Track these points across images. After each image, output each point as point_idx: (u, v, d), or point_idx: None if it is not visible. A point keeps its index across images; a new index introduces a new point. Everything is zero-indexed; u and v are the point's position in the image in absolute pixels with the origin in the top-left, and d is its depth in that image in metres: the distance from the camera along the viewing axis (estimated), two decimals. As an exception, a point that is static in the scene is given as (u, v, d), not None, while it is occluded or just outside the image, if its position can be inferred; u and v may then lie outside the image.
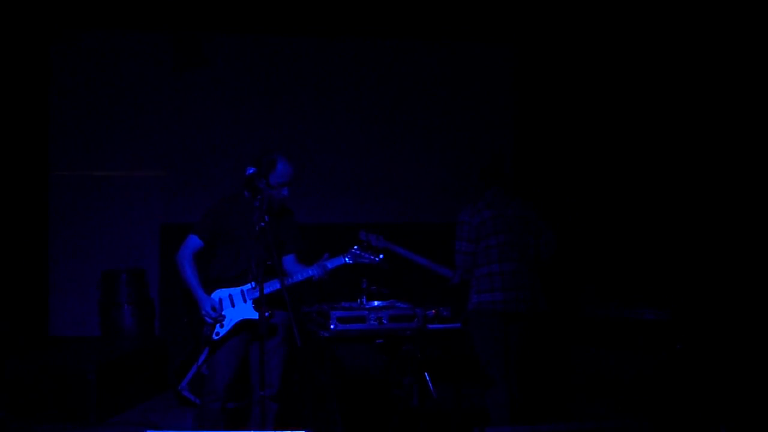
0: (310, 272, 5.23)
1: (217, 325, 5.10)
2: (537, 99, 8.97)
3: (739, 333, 6.78)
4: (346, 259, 5.35)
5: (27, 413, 6.67)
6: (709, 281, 7.30)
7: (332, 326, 5.31)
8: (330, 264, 5.30)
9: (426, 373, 5.56)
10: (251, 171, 5.21)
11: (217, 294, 5.15)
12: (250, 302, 5.16)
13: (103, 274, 8.15)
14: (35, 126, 8.37)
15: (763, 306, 6.85)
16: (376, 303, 5.74)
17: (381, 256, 5.44)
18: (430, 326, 5.48)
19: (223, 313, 5.11)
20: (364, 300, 5.75)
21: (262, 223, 4.83)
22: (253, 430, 5.11)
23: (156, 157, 8.68)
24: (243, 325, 5.14)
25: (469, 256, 5.62)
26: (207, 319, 5.08)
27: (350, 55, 8.93)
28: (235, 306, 5.15)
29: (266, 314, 4.87)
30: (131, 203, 8.65)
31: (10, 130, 8.01)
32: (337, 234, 6.07)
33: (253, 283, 5.14)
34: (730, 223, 7.38)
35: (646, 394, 6.61)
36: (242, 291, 5.17)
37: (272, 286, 5.07)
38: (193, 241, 5.22)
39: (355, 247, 5.42)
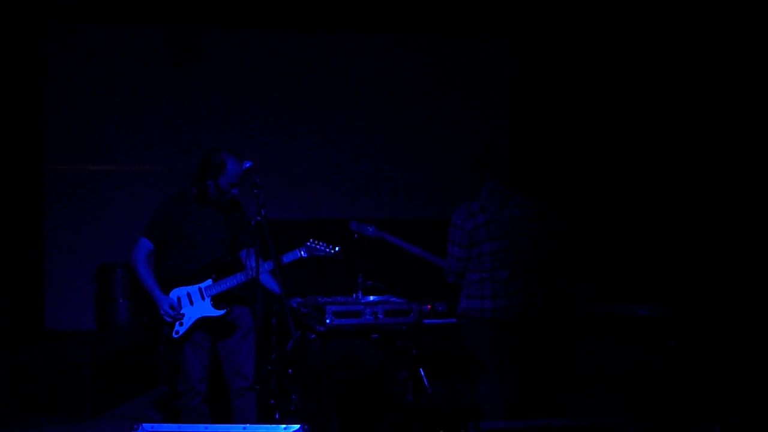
0: (266, 267, 5.24)
1: (177, 323, 5.14)
2: (531, 93, 8.97)
3: (732, 330, 6.80)
4: (301, 252, 5.42)
5: (22, 407, 6.67)
6: (703, 278, 7.31)
7: (328, 320, 5.30)
8: (285, 258, 5.37)
9: (421, 369, 5.56)
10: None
11: (174, 293, 5.19)
12: (208, 299, 5.20)
13: (99, 268, 8.15)
14: (31, 120, 8.36)
15: (756, 303, 6.87)
16: (371, 298, 5.73)
17: (337, 248, 5.44)
18: (425, 321, 5.47)
19: (182, 311, 5.15)
20: (359, 295, 5.75)
21: (258, 218, 4.85)
22: (240, 422, 5.17)
23: (152, 151, 8.68)
24: (202, 322, 5.19)
25: (461, 261, 5.48)
26: (166, 318, 5.12)
27: (345, 50, 8.93)
28: (194, 304, 5.19)
29: (224, 311, 5.10)
30: (127, 197, 8.64)
31: (6, 125, 8.00)
32: (330, 229, 6.07)
33: (210, 280, 5.20)
34: (724, 221, 7.39)
35: (641, 390, 6.62)
36: (200, 288, 5.21)
37: (231, 281, 5.18)
38: (144, 244, 5.25)
39: (310, 240, 5.45)
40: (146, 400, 7.30)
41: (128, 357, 7.42)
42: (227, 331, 5.31)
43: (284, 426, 3.80)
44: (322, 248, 5.45)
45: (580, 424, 4.20)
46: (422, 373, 5.51)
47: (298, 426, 3.80)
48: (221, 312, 5.21)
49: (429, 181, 9.00)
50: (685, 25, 7.57)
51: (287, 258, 5.38)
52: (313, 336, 5.56)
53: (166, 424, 3.89)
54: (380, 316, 5.42)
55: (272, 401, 5.44)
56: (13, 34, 8.05)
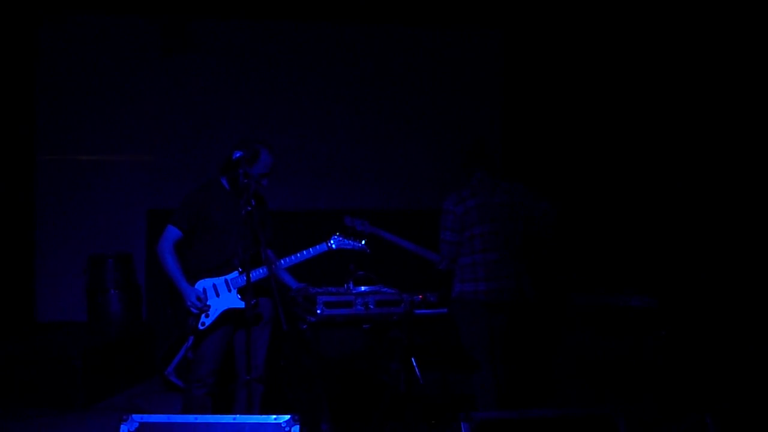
0: (283, 264, 5.29)
1: (203, 315, 5.10)
2: (525, 85, 8.96)
3: (724, 320, 6.81)
4: (330, 245, 5.41)
5: (13, 398, 6.66)
6: (695, 269, 7.32)
7: (319, 311, 5.29)
8: (313, 251, 5.36)
9: (413, 359, 5.56)
10: (238, 155, 5.17)
11: (200, 284, 5.14)
12: (234, 291, 5.17)
13: (90, 258, 8.12)
14: (22, 110, 8.33)
15: (747, 293, 6.88)
16: (363, 288, 5.72)
17: (363, 241, 5.45)
18: (417, 311, 5.46)
19: (208, 303, 5.11)
20: (351, 285, 5.74)
21: (249, 208, 4.83)
22: (240, 412, 5.14)
23: (143, 141, 8.65)
24: (228, 314, 5.15)
25: (453, 245, 5.62)
26: (193, 309, 5.07)
27: (337, 40, 8.90)
28: (220, 296, 5.15)
29: (252, 302, 4.92)
30: (118, 188, 8.62)
31: (-4, 114, 7.98)
32: (323, 220, 6.07)
33: (236, 272, 5.17)
34: (715, 212, 7.40)
35: (632, 380, 6.63)
36: (226, 280, 5.18)
37: (257, 274, 5.13)
38: (173, 232, 5.19)
39: (337, 233, 5.44)
40: (138, 391, 7.30)
41: (120, 348, 7.41)
42: (247, 323, 5.24)
43: (275, 416, 3.79)
44: (351, 243, 5.45)
45: (572, 415, 4.20)
46: (414, 363, 5.51)
47: (289, 416, 3.79)
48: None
49: (422, 171, 8.99)
50: (679, 22, 7.57)
51: (314, 252, 5.36)
52: (305, 326, 5.55)
53: (156, 415, 3.87)
54: (371, 306, 5.42)
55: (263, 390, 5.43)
56: (3, 24, 8.01)
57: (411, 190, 8.98)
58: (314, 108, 8.85)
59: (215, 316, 5.12)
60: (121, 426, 3.78)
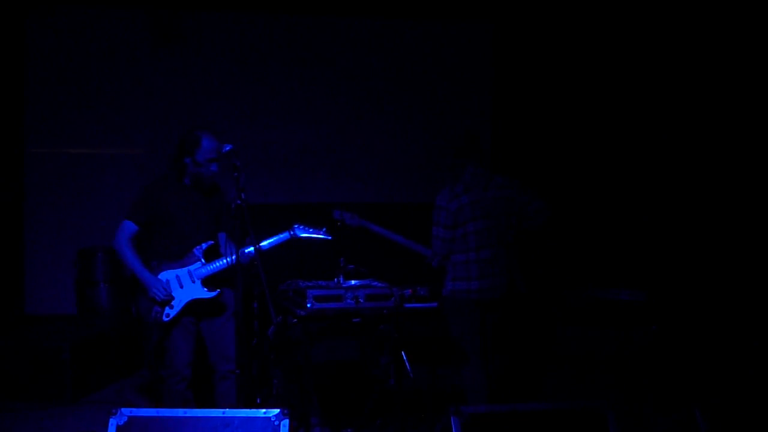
0: (246, 252, 5.25)
1: (167, 306, 5.12)
2: (515, 78, 8.96)
3: (713, 315, 6.83)
4: (289, 233, 5.44)
5: (1, 391, 6.63)
6: (685, 264, 7.34)
7: (309, 305, 5.28)
8: (274, 241, 5.39)
9: (403, 353, 5.56)
10: (180, 145, 5.22)
11: (163, 275, 5.17)
12: (198, 281, 5.20)
13: (79, 252, 8.09)
14: (10, 102, 8.28)
15: (737, 288, 6.90)
16: (353, 282, 5.71)
17: (323, 229, 5.43)
18: (407, 305, 5.46)
19: (172, 294, 5.13)
20: (341, 279, 5.73)
21: (238, 201, 4.82)
22: (222, 404, 5.23)
23: (133, 134, 8.62)
24: (192, 304, 5.18)
25: (446, 242, 5.55)
26: (157, 297, 5.09)
27: (327, 33, 8.88)
28: (183, 287, 5.18)
29: (216, 292, 5.11)
30: (108, 181, 8.58)
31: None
32: (312, 214, 6.05)
33: (199, 263, 5.20)
34: (705, 207, 7.41)
35: (623, 374, 6.65)
36: (189, 271, 5.20)
37: (221, 264, 5.20)
38: (129, 226, 5.21)
39: (296, 223, 5.46)
40: (127, 384, 7.28)
41: (109, 341, 7.39)
42: (214, 314, 5.30)
43: (264, 410, 3.78)
44: (310, 231, 5.45)
45: (561, 408, 4.20)
46: (404, 357, 5.52)
47: (278, 410, 3.78)
48: (213, 293, 5.22)
49: (412, 165, 8.98)
50: (671, 16, 7.58)
51: (276, 241, 5.37)
52: (294, 320, 5.54)
53: (145, 409, 3.86)
54: (361, 300, 5.41)
55: (253, 385, 5.44)
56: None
57: (401, 183, 8.97)
58: (304, 101, 8.83)
59: (180, 307, 5.15)
60: (110, 420, 3.76)
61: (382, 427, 5.74)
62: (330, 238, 5.50)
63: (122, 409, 3.79)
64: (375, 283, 5.69)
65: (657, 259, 7.53)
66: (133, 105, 8.57)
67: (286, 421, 3.76)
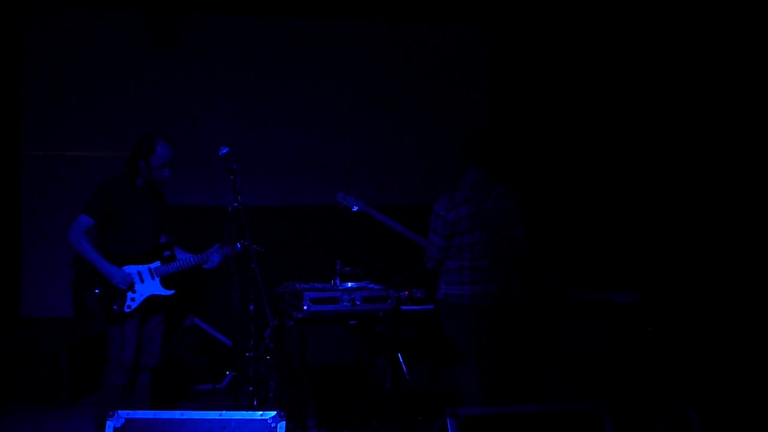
0: (203, 258, 5.54)
1: (128, 299, 5.24)
2: (511, 80, 8.96)
3: (709, 317, 6.84)
4: (238, 246, 5.48)
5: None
6: (681, 265, 7.35)
7: (305, 307, 5.30)
8: (224, 252, 5.52)
9: (399, 355, 5.57)
10: (135, 148, 5.40)
11: (127, 269, 5.29)
12: (157, 279, 5.37)
13: (77, 254, 8.07)
14: (7, 105, 8.28)
15: (732, 289, 6.92)
16: (349, 284, 5.73)
17: (239, 245, 5.44)
18: (403, 308, 5.46)
19: (134, 287, 5.28)
20: (338, 281, 5.75)
21: (235, 204, 4.84)
22: (140, 399, 5.43)
23: (130, 136, 8.50)
24: (150, 300, 5.32)
25: (441, 250, 5.49)
26: (122, 286, 5.22)
27: (325, 36, 8.88)
28: (144, 282, 5.32)
29: (173, 291, 5.34)
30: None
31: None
32: (311, 216, 6.08)
33: (159, 261, 5.38)
34: (701, 209, 7.43)
35: (618, 376, 6.66)
36: (150, 268, 5.37)
37: (181, 263, 5.42)
38: (85, 220, 5.32)
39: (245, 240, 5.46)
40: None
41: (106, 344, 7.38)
42: (157, 311, 5.46)
43: (260, 412, 3.80)
44: (228, 250, 5.54)
45: (557, 410, 4.22)
46: (400, 359, 5.52)
47: (275, 412, 3.79)
48: (170, 292, 5.42)
49: (409, 167, 8.97)
50: (665, 17, 7.59)
51: (227, 251, 5.50)
52: (291, 323, 5.56)
53: (142, 411, 3.88)
54: (358, 302, 5.43)
55: (251, 388, 5.44)
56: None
57: (399, 185, 8.96)
58: (301, 103, 8.82)
59: (140, 300, 5.29)
60: (107, 422, 3.78)
61: (378, 429, 5.75)
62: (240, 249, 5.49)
63: (119, 411, 3.80)
64: (371, 285, 5.70)
65: (653, 261, 7.54)
66: (130, 107, 8.56)
67: (283, 424, 3.77)
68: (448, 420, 3.96)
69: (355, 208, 5.84)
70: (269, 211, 8.33)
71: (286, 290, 5.71)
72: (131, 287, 5.26)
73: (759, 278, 6.91)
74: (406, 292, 5.50)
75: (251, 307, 6.07)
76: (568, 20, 8.38)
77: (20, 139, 8.42)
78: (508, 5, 8.71)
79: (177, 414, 3.84)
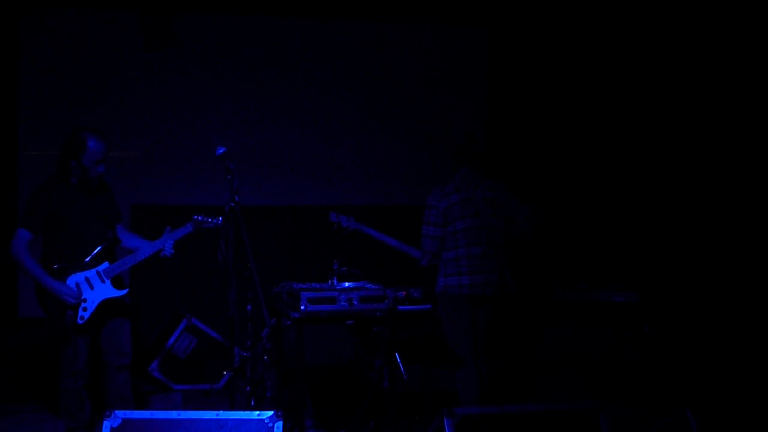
0: (130, 243, 5.41)
1: (80, 309, 5.13)
2: (509, 82, 8.98)
3: (706, 317, 6.85)
4: (189, 227, 5.44)
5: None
6: (678, 265, 7.36)
7: (302, 307, 5.29)
8: (176, 234, 5.41)
9: (396, 354, 5.57)
10: (65, 147, 5.21)
11: (72, 279, 5.16)
12: (108, 281, 5.23)
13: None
14: (4, 105, 8.27)
15: (730, 290, 6.92)
16: (347, 284, 5.73)
17: (220, 218, 5.34)
18: (400, 307, 5.47)
19: (84, 296, 5.14)
20: (335, 281, 5.74)
21: (231, 204, 4.83)
22: (114, 399, 5.32)
23: (126, 136, 8.60)
24: (104, 305, 5.21)
25: (436, 240, 5.68)
26: (69, 301, 5.08)
27: (322, 37, 8.88)
28: (94, 288, 5.20)
29: (126, 290, 5.23)
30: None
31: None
32: (308, 216, 6.07)
33: (107, 262, 5.22)
34: (698, 209, 7.44)
35: (615, 375, 6.67)
36: (98, 272, 5.22)
37: (132, 260, 5.28)
38: (24, 234, 5.16)
39: (195, 215, 5.45)
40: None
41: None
42: (115, 314, 5.33)
43: (258, 412, 3.80)
44: (209, 220, 5.45)
45: (554, 409, 4.23)
46: (398, 359, 5.52)
47: (272, 412, 3.79)
48: (123, 292, 5.30)
49: (407, 168, 8.99)
50: (663, 21, 7.60)
51: (178, 234, 5.41)
52: (288, 322, 5.55)
53: (139, 411, 3.88)
54: (355, 302, 5.42)
55: (248, 388, 5.43)
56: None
57: (396, 185, 8.98)
58: (299, 103, 8.83)
59: (93, 308, 5.17)
60: (105, 422, 3.78)
61: (375, 429, 5.75)
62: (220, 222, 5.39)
63: (116, 412, 3.80)
64: (369, 285, 5.71)
65: (649, 260, 7.55)
66: (127, 108, 8.56)
67: (280, 423, 3.78)
68: (445, 420, 3.96)
69: (350, 227, 5.86)
70: (266, 211, 8.34)
71: (283, 290, 5.70)
72: (78, 301, 5.11)
73: (757, 278, 6.92)
74: (404, 292, 5.51)
75: (248, 307, 6.08)
76: (566, 24, 8.38)
77: (17, 140, 8.41)
78: (507, 8, 8.71)
79: (174, 414, 3.84)
